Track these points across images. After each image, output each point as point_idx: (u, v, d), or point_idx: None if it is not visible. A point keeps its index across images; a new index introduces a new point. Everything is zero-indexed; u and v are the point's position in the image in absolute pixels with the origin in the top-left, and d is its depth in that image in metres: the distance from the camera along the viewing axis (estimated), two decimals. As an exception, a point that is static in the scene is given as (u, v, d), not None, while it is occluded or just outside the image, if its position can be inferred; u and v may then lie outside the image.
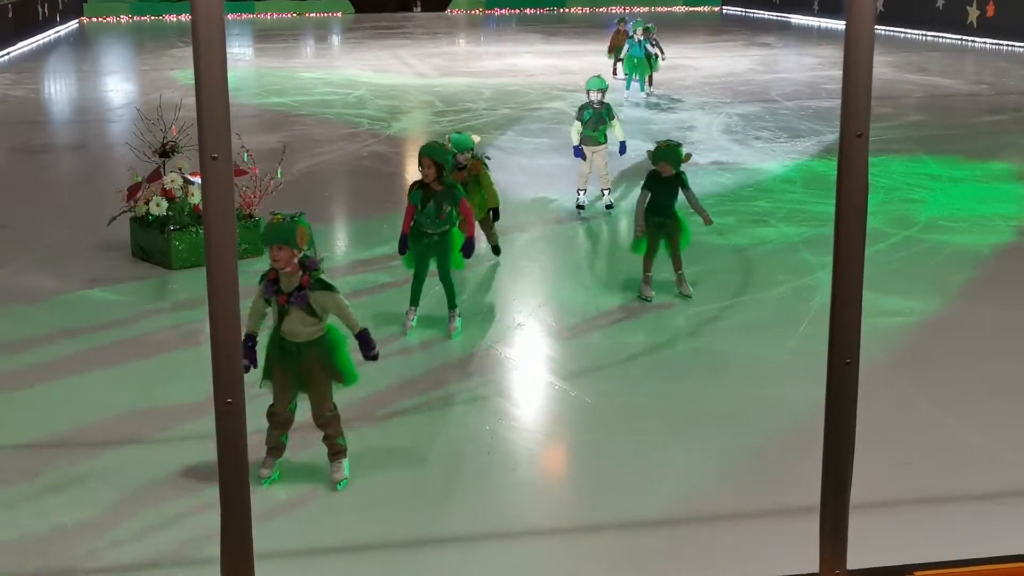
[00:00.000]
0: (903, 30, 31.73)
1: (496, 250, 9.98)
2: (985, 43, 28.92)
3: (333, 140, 16.05)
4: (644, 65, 19.56)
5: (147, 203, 9.84)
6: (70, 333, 8.19)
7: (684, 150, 8.95)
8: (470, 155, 9.53)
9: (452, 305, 8.20)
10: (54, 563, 5.16)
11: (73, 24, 36.12)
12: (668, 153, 8.82)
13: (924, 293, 9.04)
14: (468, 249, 8.04)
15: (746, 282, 9.38)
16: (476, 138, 9.79)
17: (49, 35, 32.13)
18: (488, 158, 9.94)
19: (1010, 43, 28.09)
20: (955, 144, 15.52)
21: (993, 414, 6.83)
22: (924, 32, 31.16)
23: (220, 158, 3.02)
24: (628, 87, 19.58)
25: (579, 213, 11.51)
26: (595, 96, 11.31)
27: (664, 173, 8.80)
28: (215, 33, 2.97)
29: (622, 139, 11.56)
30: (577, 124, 11.47)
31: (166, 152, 10.02)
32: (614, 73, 20.90)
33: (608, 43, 22.53)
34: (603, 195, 11.78)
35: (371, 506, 5.71)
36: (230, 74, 2.97)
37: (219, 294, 3.09)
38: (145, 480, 5.90)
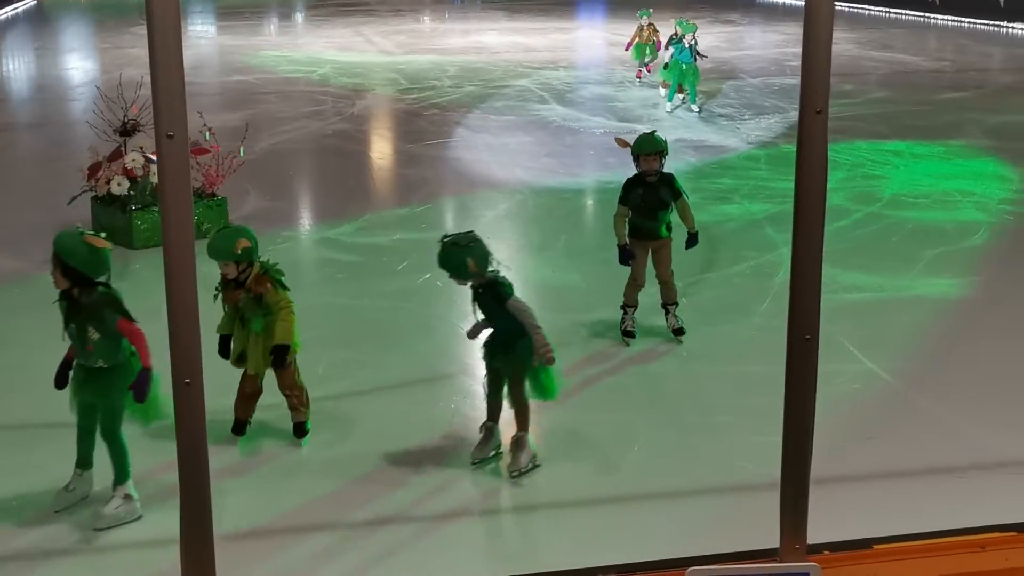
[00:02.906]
0: (867, 7, 31.84)
1: (299, 431, 6.13)
2: (947, 20, 29.06)
3: (297, 118, 15.96)
4: (695, 73, 16.27)
5: (108, 182, 9.75)
6: (30, 313, 8.11)
7: (661, 136, 7.49)
8: (241, 266, 5.91)
9: (120, 480, 5.34)
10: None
11: (31, 1, 35.69)
12: (652, 141, 7.34)
13: (887, 269, 9.09)
14: (139, 390, 5.09)
15: (710, 259, 9.40)
16: (243, 243, 5.86)
17: (7, 12, 31.73)
18: (278, 271, 6.10)
19: (971, 20, 28.24)
20: (918, 121, 15.59)
21: (955, 388, 6.88)
22: (887, 9, 31.27)
23: (176, 137, 2.99)
24: (671, 98, 16.39)
25: (627, 343, 7.56)
26: (650, 164, 7.32)
27: (648, 174, 7.29)
28: (170, 9, 2.94)
29: (693, 229, 7.44)
30: (621, 208, 7.34)
31: (127, 131, 9.92)
32: (639, 76, 18.72)
33: (629, 40, 19.02)
34: (666, 313, 7.67)
35: (331, 483, 5.69)
36: (192, 52, 2.94)
37: (176, 274, 3.07)
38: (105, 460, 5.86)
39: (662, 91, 16.80)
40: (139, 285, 8.91)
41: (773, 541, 3.42)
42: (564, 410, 6.62)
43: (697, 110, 16.07)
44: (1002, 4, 27.59)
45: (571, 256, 9.66)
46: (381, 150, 14.89)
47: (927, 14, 29.86)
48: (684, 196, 7.40)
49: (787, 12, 32.38)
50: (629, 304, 7.66)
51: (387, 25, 28.84)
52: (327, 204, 11.79)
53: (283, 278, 6.03)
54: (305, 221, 11.15)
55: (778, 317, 3.25)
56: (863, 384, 6.93)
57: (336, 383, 6.92)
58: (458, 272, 5.80)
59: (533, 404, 5.93)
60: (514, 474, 5.73)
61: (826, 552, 3.41)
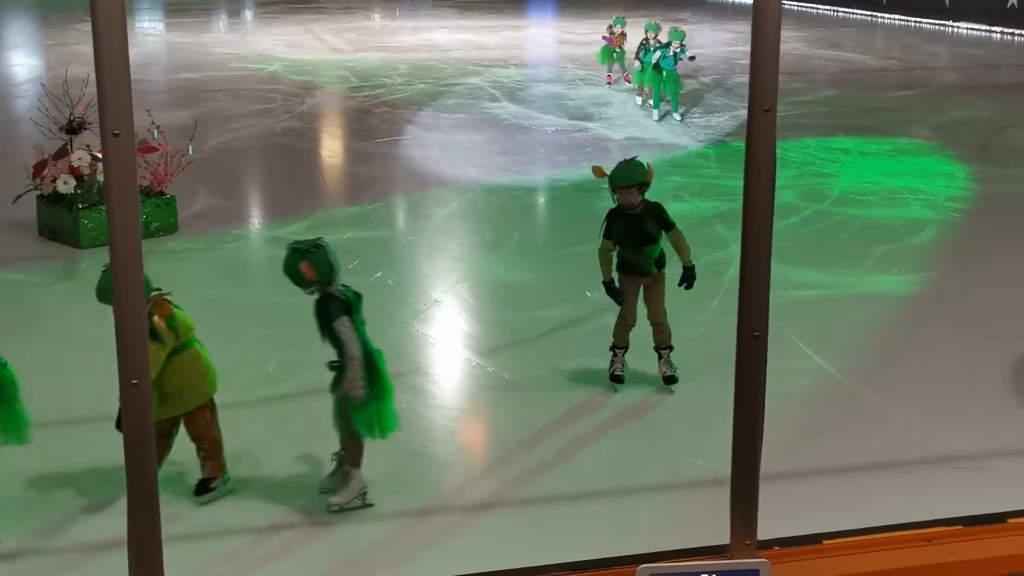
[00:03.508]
0: (815, 6, 32.09)
1: (201, 487, 5.54)
2: (894, 19, 29.35)
3: (246, 116, 15.85)
4: (676, 80, 15.67)
5: (54, 181, 9.63)
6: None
7: (644, 161, 6.66)
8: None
9: None
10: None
11: (-25, -3, 35.20)
12: (629, 172, 6.51)
13: (835, 266, 9.17)
14: None
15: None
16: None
17: (-50, 9, 31.28)
18: (172, 304, 5.44)
19: (918, 19, 28.55)
20: (865, 119, 15.75)
21: (902, 384, 6.95)
22: (835, 8, 31.54)
23: (122, 134, 2.96)
24: (656, 105, 15.71)
25: (615, 389, 6.82)
26: (628, 198, 6.52)
27: (631, 204, 6.49)
28: (115, 6, 2.91)
29: (689, 263, 6.68)
30: (605, 243, 6.67)
31: (73, 129, 9.81)
32: (609, 82, 18.17)
33: (605, 36, 18.44)
34: (659, 358, 6.91)
35: (282, 483, 5.66)
36: (139, 50, 2.91)
37: (123, 273, 3.03)
38: (60, 460, 5.80)
39: (638, 99, 16.35)
40: (86, 285, 8.80)
41: (724, 537, 3.43)
42: (511, 407, 6.62)
43: (679, 118, 15.48)
44: (947, 4, 27.91)
45: (523, 254, 9.66)
46: (331, 148, 14.83)
47: (874, 13, 30.16)
48: (675, 227, 6.62)
49: (736, 11, 32.57)
50: (618, 345, 6.87)
51: (337, 23, 28.71)
52: (277, 202, 11.72)
53: (172, 320, 5.33)
54: (255, 220, 11.07)
55: (728, 314, 3.27)
56: (812, 380, 6.98)
57: (286, 383, 6.88)
58: (293, 278, 5.33)
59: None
60: (333, 509, 5.37)
61: (776, 548, 3.43)
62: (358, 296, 5.41)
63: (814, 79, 19.37)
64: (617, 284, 6.71)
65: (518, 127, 15.13)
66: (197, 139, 11.10)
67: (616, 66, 18.07)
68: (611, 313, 7.76)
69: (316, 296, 5.33)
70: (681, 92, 15.80)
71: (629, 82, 17.49)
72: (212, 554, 5.09)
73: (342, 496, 5.41)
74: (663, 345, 6.87)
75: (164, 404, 5.27)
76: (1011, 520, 3.72)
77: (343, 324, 5.25)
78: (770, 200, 3.17)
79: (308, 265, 5.26)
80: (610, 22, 18.23)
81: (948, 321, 8.06)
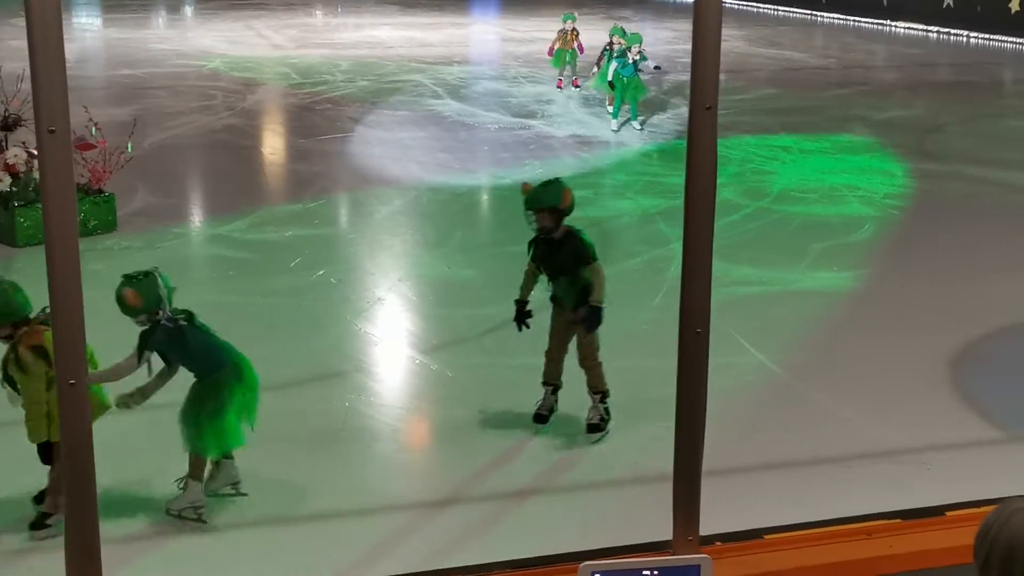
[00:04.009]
0: (755, 4, 32.34)
1: (38, 523, 5.29)
2: (833, 18, 29.65)
3: (186, 113, 15.69)
4: (639, 87, 14.89)
5: (-11, 178, 9.48)
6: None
7: (562, 187, 6.12)
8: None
9: None
10: None
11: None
12: (537, 195, 6.06)
13: (776, 263, 9.25)
14: None
15: (603, 254, 9.35)
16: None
17: None
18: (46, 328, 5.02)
19: (856, 18, 28.85)
20: (805, 117, 15.89)
21: (842, 379, 7.03)
22: (775, 7, 31.80)
23: (58, 131, 2.92)
24: (616, 115, 14.85)
25: (540, 427, 6.32)
26: (540, 221, 6.11)
27: (545, 229, 6.01)
28: (50, 1, 2.86)
29: (596, 302, 6.10)
30: (531, 265, 6.28)
31: (8, 126, 9.67)
32: (559, 86, 17.23)
33: (550, 45, 17.52)
34: (591, 409, 6.30)
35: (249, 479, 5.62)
36: (76, 45, 2.87)
37: (59, 273, 2.99)
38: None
39: (609, 108, 15.20)
40: (22, 284, 8.68)
41: (666, 533, 3.45)
42: (454, 406, 6.61)
43: (639, 127, 14.75)
44: (885, 3, 28.24)
45: (466, 251, 9.65)
46: (273, 145, 14.73)
47: (814, 12, 30.43)
48: (595, 263, 6.08)
49: (678, 9, 32.72)
50: (546, 381, 6.36)
51: (278, 19, 28.48)
52: (218, 200, 11.61)
53: (41, 349, 5.09)
54: (195, 218, 10.97)
55: (670, 311, 3.28)
56: (753, 376, 7.04)
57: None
58: (120, 305, 5.19)
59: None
60: (171, 513, 5.31)
61: (718, 543, 3.45)
62: (190, 315, 5.32)
63: (755, 77, 19.51)
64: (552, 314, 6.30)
65: (461, 124, 15.11)
66: (136, 136, 10.96)
67: (568, 69, 17.23)
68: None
69: (144, 326, 5.22)
70: (641, 99, 15.09)
71: (577, 87, 16.93)
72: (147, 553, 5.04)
73: (176, 504, 5.34)
74: (593, 390, 6.28)
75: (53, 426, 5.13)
76: (949, 513, 3.77)
77: (144, 358, 5.19)
78: (711, 198, 3.19)
79: (134, 293, 5.18)
80: (559, 21, 17.38)
81: (887, 317, 8.16)
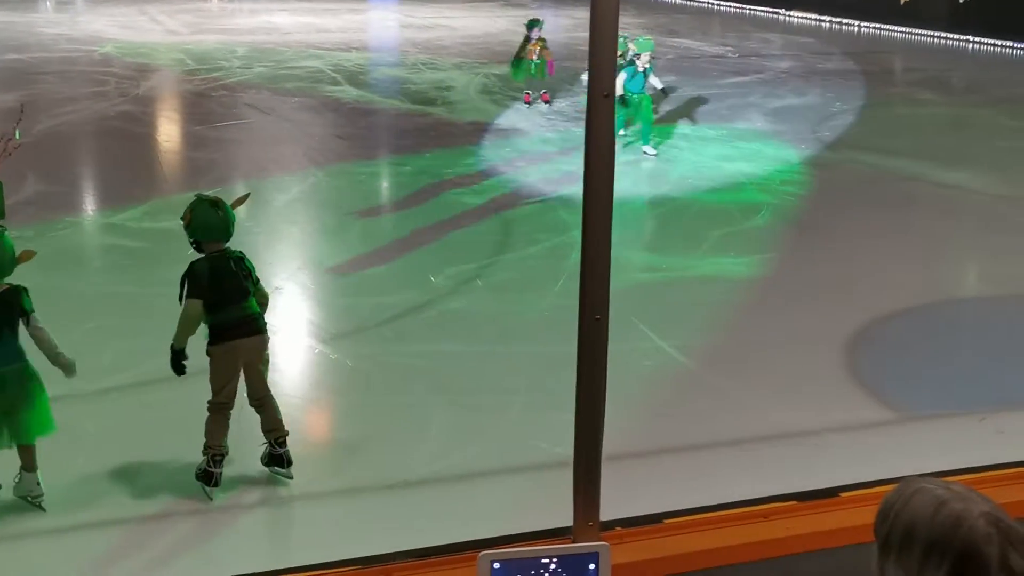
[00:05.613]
0: (653, -7, 32.59)
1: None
2: (730, 6, 30.01)
3: (78, 99, 15.34)
4: (648, 106, 12.76)
5: None
6: None
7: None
8: None
9: None
10: None
11: None
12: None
13: (675, 249, 9.34)
14: None
15: (504, 242, 9.47)
16: None
17: None
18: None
19: (752, 7, 29.25)
20: (703, 105, 16.06)
21: (740, 363, 7.13)
22: (673, -5, 32.10)
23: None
24: (618, 129, 12.39)
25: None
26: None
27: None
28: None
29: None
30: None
31: None
32: (527, 101, 15.20)
33: (516, 52, 15.41)
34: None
35: (123, 478, 5.51)
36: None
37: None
38: None
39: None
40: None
41: (568, 520, 3.45)
42: (354, 395, 6.57)
43: (654, 153, 12.57)
44: (780, -8, 28.66)
45: (366, 239, 9.58)
46: (168, 132, 14.46)
47: (711, 1, 30.78)
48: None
49: (577, -3, 32.88)
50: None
51: (172, 4, 27.99)
52: (111, 188, 11.37)
53: None
54: (88, 206, 10.73)
55: (570, 297, 3.28)
56: (652, 361, 7.10)
57: (121, 374, 6.70)
58: None
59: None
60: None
61: (618, 528, 3.46)
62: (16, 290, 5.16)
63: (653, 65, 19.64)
64: None
65: (360, 111, 15.00)
66: (25, 122, 10.69)
67: (535, 81, 15.14)
68: (457, 298, 7.76)
69: None
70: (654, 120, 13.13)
71: (548, 102, 15.21)
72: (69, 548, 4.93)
73: (15, 490, 5.29)
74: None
75: None
76: (843, 494, 3.82)
77: None
78: (610, 185, 3.18)
79: None
80: (524, 27, 15.21)
81: (782, 301, 8.29)
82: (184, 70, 18.07)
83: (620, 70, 12.37)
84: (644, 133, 12.69)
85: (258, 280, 5.52)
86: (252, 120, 14.39)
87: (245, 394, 5.53)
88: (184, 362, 5.36)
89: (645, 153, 12.55)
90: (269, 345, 5.55)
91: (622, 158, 12.08)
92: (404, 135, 13.67)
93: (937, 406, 6.63)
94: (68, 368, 5.24)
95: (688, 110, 15.46)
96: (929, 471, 2.63)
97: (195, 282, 5.34)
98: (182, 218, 5.50)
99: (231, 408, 5.45)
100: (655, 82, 13.00)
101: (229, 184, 11.41)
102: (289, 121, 14.32)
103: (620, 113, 12.27)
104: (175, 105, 16.17)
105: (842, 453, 5.94)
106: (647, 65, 12.53)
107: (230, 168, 12.07)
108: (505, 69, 18.12)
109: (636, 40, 12.76)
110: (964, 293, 9.03)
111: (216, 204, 5.41)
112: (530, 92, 15.23)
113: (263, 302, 5.52)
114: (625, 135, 12.90)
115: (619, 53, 12.18)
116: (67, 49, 19.85)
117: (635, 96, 12.51)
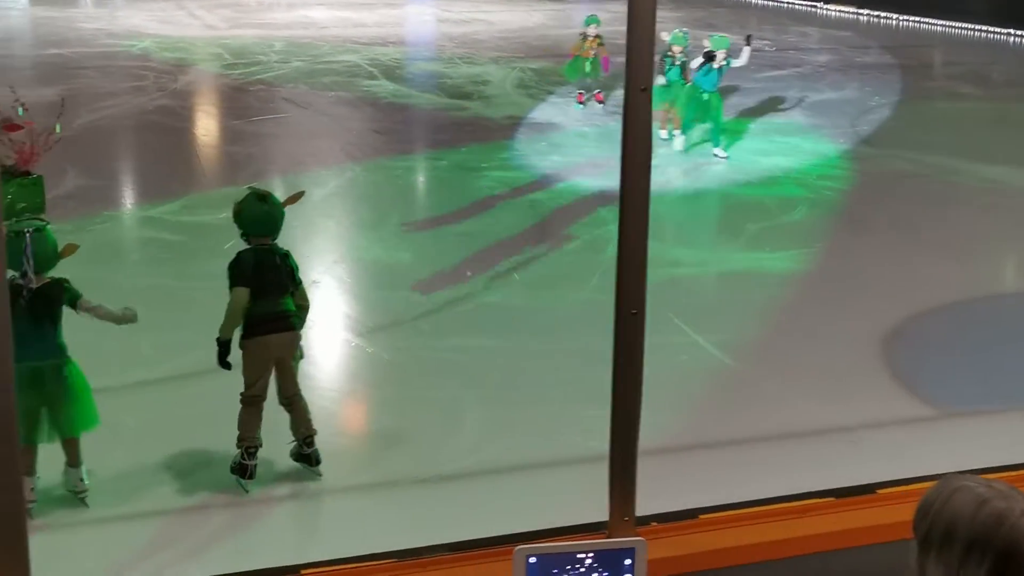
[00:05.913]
0: (690, -13, 32.45)
1: None
2: (767, 1, 29.85)
3: (117, 94, 15.44)
4: (719, 105, 12.23)
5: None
6: None
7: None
8: None
9: None
10: None
11: None
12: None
13: (711, 244, 9.31)
14: None
15: (540, 236, 9.46)
16: None
17: None
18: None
19: (788, 1, 29.07)
20: (741, 98, 15.96)
21: (777, 359, 7.09)
22: (710, -11, 31.95)
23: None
24: (687, 128, 12.33)
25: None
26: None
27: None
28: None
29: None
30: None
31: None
32: (580, 101, 14.65)
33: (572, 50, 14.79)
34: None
35: (161, 471, 5.55)
36: (2, 24, 2.80)
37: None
38: None
39: (661, 133, 12.58)
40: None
41: (603, 515, 3.45)
42: (390, 388, 6.59)
43: (725, 155, 12.14)
44: (818, -14, 28.47)
45: (402, 233, 9.60)
46: (206, 127, 14.54)
47: (748, -5, 30.62)
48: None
49: (614, -9, 32.78)
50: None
51: (211, -1, 28.14)
52: (150, 182, 11.45)
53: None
54: (127, 200, 10.81)
55: (606, 292, 3.28)
56: (689, 357, 7.08)
57: (161, 366, 6.74)
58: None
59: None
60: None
61: (654, 523, 3.46)
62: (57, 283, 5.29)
63: (690, 59, 19.56)
64: None
65: (396, 106, 15.02)
66: (66, 117, 10.73)
67: (590, 81, 14.53)
68: (493, 292, 7.76)
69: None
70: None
71: (601, 102, 14.60)
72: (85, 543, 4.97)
73: (64, 484, 5.33)
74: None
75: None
76: (880, 491, 3.80)
77: None
78: (647, 179, 3.18)
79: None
80: (582, 24, 14.52)
81: (820, 296, 8.24)
82: (222, 65, 18.16)
83: (680, 63, 12.38)
84: (714, 134, 12.27)
85: (300, 282, 5.52)
86: (289, 114, 14.44)
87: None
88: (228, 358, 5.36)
89: (715, 155, 12.16)
90: (302, 341, 5.56)
91: (689, 161, 12.02)
92: (440, 130, 13.68)
93: (977, 403, 6.57)
94: (134, 317, 5.34)
95: (728, 104, 15.36)
96: (968, 468, 2.61)
97: (240, 270, 5.37)
98: (233, 209, 5.51)
99: (263, 400, 5.46)
100: (743, 59, 12.39)
101: (266, 177, 11.46)
102: (326, 115, 14.36)
103: (688, 110, 12.08)
104: (213, 100, 16.25)
105: (880, 450, 5.91)
106: (723, 62, 11.94)
107: (267, 162, 12.12)
108: (542, 64, 18.11)
109: (711, 37, 12.29)
110: (1004, 289, 8.95)
111: (263, 198, 5.43)
112: (583, 92, 14.71)
113: (303, 304, 5.52)
114: (676, 136, 12.48)
115: (681, 49, 12.40)
116: (106, 44, 19.99)
117: (706, 95, 12.02)
